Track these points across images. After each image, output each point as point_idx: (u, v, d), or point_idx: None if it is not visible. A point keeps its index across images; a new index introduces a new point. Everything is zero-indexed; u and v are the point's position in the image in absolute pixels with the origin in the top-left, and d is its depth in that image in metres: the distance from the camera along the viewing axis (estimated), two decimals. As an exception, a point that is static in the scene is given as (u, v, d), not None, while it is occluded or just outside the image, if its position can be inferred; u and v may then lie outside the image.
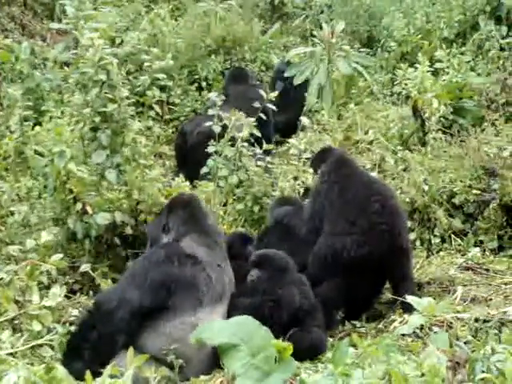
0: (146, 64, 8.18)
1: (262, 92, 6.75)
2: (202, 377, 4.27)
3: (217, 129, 6.53)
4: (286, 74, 9.52)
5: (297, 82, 9.53)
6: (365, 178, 5.65)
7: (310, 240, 5.43)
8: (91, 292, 5.34)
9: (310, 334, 4.56)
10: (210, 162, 6.37)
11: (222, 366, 4.14)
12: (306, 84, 9.48)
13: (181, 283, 4.35)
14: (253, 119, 6.42)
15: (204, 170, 6.44)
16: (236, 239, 5.46)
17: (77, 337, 4.36)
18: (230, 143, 6.34)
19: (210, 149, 6.40)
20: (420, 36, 10.55)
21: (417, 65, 8.53)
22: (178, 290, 4.33)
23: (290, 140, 6.81)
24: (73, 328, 4.52)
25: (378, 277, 5.43)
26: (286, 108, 9.01)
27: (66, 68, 8.72)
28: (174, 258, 4.42)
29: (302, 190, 6.28)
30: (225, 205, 6.24)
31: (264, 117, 6.94)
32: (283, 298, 4.64)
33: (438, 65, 9.09)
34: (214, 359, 4.11)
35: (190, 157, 7.88)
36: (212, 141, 6.49)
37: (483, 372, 2.97)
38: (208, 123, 7.08)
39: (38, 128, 6.80)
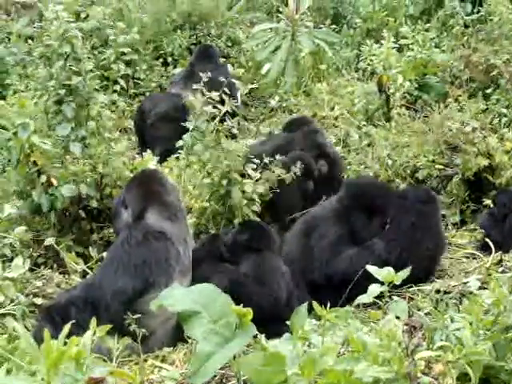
0: (111, 38, 8.10)
1: (229, 69, 6.64)
2: (166, 349, 4.31)
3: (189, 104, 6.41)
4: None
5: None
6: None
7: None
8: (55, 265, 5.32)
9: None
10: (186, 136, 6.23)
11: (186, 339, 4.19)
12: None
13: (159, 260, 4.37)
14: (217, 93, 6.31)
15: (180, 143, 6.31)
16: None
17: (59, 309, 4.28)
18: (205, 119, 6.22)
19: (188, 124, 6.27)
20: (385, 13, 10.59)
21: (382, 41, 8.57)
22: (156, 266, 4.35)
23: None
24: (36, 299, 4.54)
25: None
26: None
27: (30, 42, 8.65)
28: (149, 236, 4.43)
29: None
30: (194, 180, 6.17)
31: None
32: None
33: (402, 41, 9.11)
34: (178, 332, 4.13)
35: (148, 135, 7.85)
36: (185, 114, 6.38)
37: (441, 340, 3.03)
38: (166, 103, 7.04)
39: (1, 102, 6.76)
